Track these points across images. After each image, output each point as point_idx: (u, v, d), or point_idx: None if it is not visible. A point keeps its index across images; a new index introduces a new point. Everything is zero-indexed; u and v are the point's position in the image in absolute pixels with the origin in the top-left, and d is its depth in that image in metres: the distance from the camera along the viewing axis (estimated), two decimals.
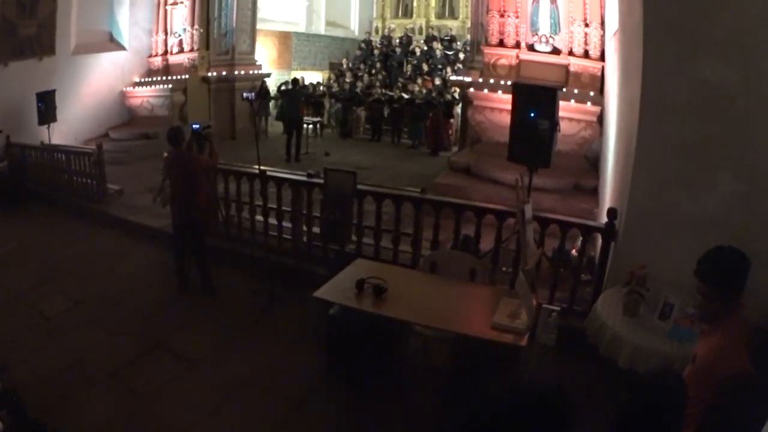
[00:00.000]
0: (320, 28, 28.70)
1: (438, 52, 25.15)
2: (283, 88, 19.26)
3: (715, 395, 3.32)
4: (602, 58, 11.92)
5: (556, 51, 12.44)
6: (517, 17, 12.72)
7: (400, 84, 23.01)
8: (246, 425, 5.82)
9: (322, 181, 8.66)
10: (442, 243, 8.22)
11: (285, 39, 26.61)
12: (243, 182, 9.65)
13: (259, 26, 22.16)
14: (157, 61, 19.85)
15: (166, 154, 8.60)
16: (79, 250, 10.41)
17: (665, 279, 5.62)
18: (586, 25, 12.04)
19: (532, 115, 7.86)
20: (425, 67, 24.56)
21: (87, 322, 7.75)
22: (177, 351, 7.06)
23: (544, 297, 7.10)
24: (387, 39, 27.72)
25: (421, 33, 28.40)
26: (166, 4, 19.35)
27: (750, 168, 5.75)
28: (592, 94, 11.87)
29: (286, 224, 9.38)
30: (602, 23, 11.77)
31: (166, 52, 19.67)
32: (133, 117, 19.68)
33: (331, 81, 25.46)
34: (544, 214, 7.49)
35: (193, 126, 8.83)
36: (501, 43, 13.01)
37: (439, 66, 24.45)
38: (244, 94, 9.30)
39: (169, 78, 19.22)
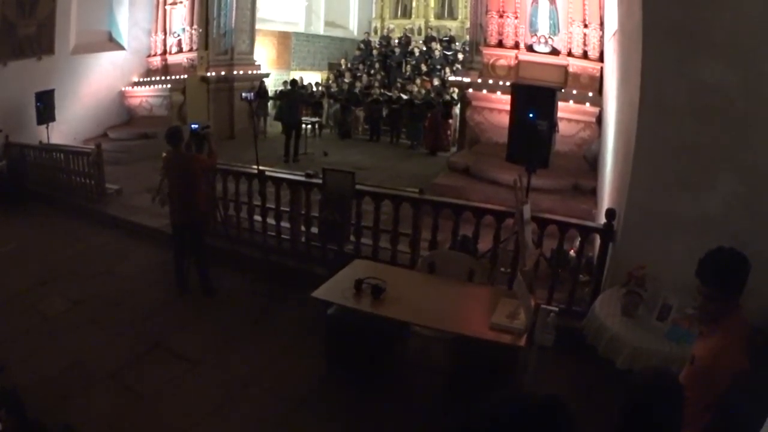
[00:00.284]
0: (319, 28, 28.67)
1: (437, 53, 25.14)
2: (282, 88, 19.26)
3: (715, 396, 3.33)
4: (601, 59, 11.92)
5: (555, 52, 12.44)
6: (516, 18, 12.72)
7: (399, 84, 23.01)
8: (246, 425, 5.82)
9: (320, 181, 8.67)
10: (440, 243, 8.24)
11: (284, 39, 26.59)
12: (242, 182, 9.67)
13: (258, 26, 22.17)
14: (156, 61, 19.85)
15: (164, 154, 8.59)
16: (79, 250, 10.41)
17: (664, 280, 5.64)
18: (585, 26, 12.05)
19: (531, 115, 7.87)
20: (424, 68, 24.60)
21: (86, 322, 7.75)
22: (176, 351, 7.06)
23: (543, 297, 7.10)
24: (386, 39, 27.71)
25: (420, 33, 28.38)
26: (165, 4, 19.35)
27: (749, 169, 5.76)
28: (590, 94, 11.88)
29: (285, 224, 9.39)
30: (601, 24, 11.78)
31: (165, 52, 19.67)
32: (132, 117, 19.68)
33: (330, 81, 25.45)
34: (542, 214, 7.51)
35: (192, 126, 8.83)
36: (500, 44, 13.01)
37: (438, 66, 24.45)
38: (243, 94, 9.31)
39: (168, 78, 19.22)
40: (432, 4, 28.63)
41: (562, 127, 9.74)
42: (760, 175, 5.72)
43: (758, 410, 2.53)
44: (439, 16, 28.67)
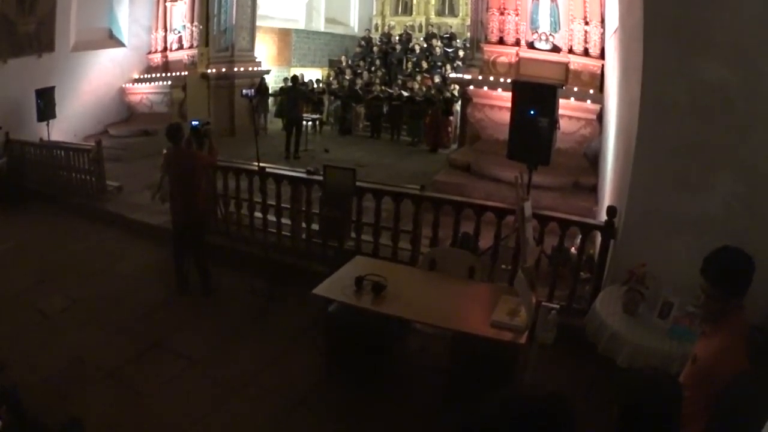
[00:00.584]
0: (320, 25, 28.68)
1: (438, 50, 25.15)
2: (283, 85, 19.26)
3: (715, 396, 3.32)
4: (602, 56, 11.91)
5: (555, 49, 12.42)
6: (517, 15, 12.70)
7: (399, 81, 23.00)
8: (245, 423, 5.83)
9: (321, 178, 8.66)
10: (441, 240, 8.23)
11: (285, 36, 26.60)
12: (242, 179, 9.66)
13: (258, 23, 22.13)
14: (157, 58, 19.82)
15: (165, 151, 8.59)
16: (78, 247, 10.41)
17: (664, 278, 5.63)
18: (586, 23, 12.02)
19: (532, 112, 7.84)
20: (425, 65, 24.58)
21: (86, 320, 7.75)
22: (176, 349, 7.06)
23: (544, 295, 7.09)
24: (386, 36, 27.70)
25: (420, 30, 28.40)
26: (165, 0, 19.32)
27: (749, 168, 5.76)
28: (591, 92, 11.86)
29: (286, 221, 9.39)
30: (602, 21, 11.76)
31: (165, 49, 19.64)
32: (132, 114, 19.65)
33: (331, 78, 25.44)
34: (543, 212, 7.51)
35: (193, 123, 8.83)
36: (501, 41, 12.99)
37: (439, 63, 24.46)
38: (244, 91, 9.29)
39: (169, 75, 19.17)
40: (433, 1, 28.68)
41: (563, 125, 9.72)
42: (760, 174, 5.72)
43: (758, 410, 2.52)
44: (440, 13, 28.69)
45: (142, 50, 19.80)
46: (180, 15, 19.18)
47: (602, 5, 11.66)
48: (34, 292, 8.52)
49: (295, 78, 19.75)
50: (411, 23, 28.69)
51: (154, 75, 19.48)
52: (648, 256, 5.92)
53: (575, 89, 11.88)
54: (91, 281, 8.91)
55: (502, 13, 12.82)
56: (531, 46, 12.64)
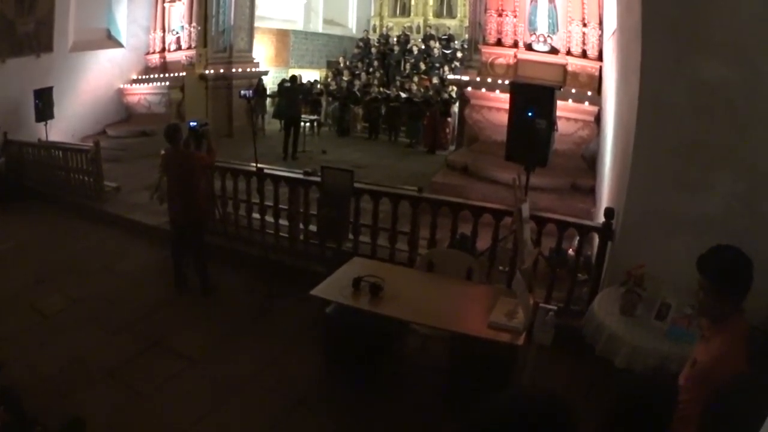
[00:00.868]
0: (318, 26, 28.71)
1: (436, 51, 25.17)
2: (286, 85, 19.25)
3: (712, 397, 3.33)
4: (600, 57, 11.93)
5: (554, 50, 12.44)
6: (515, 16, 12.72)
7: (397, 82, 23.01)
8: (244, 423, 5.83)
9: (319, 179, 8.68)
10: (439, 242, 8.24)
11: (283, 37, 26.61)
12: (240, 180, 9.68)
13: (257, 24, 22.18)
14: (155, 59, 19.85)
15: (163, 152, 8.60)
16: (77, 247, 10.42)
17: (663, 279, 5.63)
18: (584, 25, 12.05)
19: (530, 114, 7.85)
20: (423, 66, 24.59)
21: (85, 320, 7.75)
22: (175, 349, 7.06)
23: (541, 296, 7.12)
24: (385, 37, 27.75)
25: (418, 32, 28.46)
26: (164, 1, 19.36)
27: (749, 168, 5.76)
28: (589, 93, 11.88)
29: (283, 222, 9.39)
30: (600, 23, 11.78)
31: (163, 50, 19.68)
32: (130, 114, 19.68)
33: (329, 79, 25.44)
34: (541, 213, 7.51)
35: (191, 123, 8.82)
36: (499, 43, 13.00)
37: (437, 65, 24.47)
38: (242, 92, 9.29)
39: (167, 75, 19.20)
40: (431, 2, 28.72)
41: (561, 126, 9.72)
42: (759, 174, 5.73)
43: (756, 411, 2.53)
44: (438, 15, 28.74)
45: (141, 51, 19.83)
46: (178, 16, 19.21)
47: (600, 7, 11.68)
48: (33, 291, 8.52)
49: (293, 78, 19.74)
50: (409, 24, 28.75)
51: (152, 76, 19.52)
52: (646, 257, 5.93)
53: (573, 91, 11.90)
54: (90, 281, 8.92)
55: (500, 15, 12.83)
56: (529, 47, 12.66)
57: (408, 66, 25.42)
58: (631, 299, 5.58)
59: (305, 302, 6.62)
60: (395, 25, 29.04)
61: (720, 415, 3.16)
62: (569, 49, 12.26)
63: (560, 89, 10.33)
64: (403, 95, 21.50)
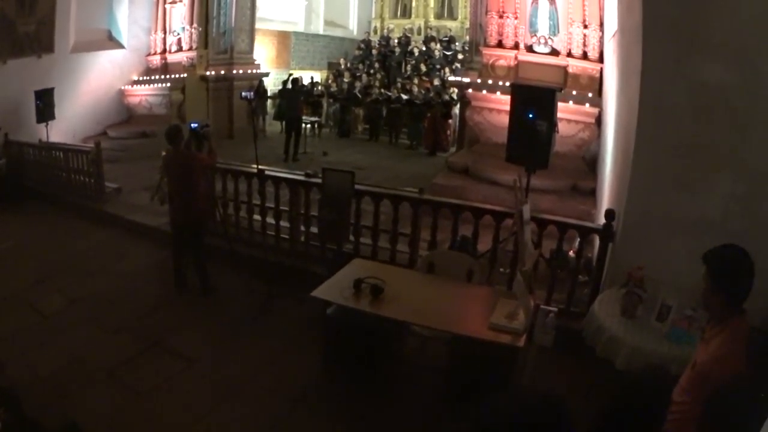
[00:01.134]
0: (319, 27, 28.67)
1: (437, 53, 25.14)
2: (287, 86, 19.26)
3: (712, 398, 3.32)
4: (601, 59, 11.93)
5: (554, 52, 12.45)
6: (516, 18, 12.72)
7: (398, 84, 22.99)
8: (244, 423, 5.83)
9: (320, 180, 8.68)
10: (439, 243, 8.25)
11: (284, 38, 26.58)
12: (241, 181, 9.67)
13: (257, 25, 22.15)
14: (156, 60, 19.86)
15: (164, 153, 8.60)
16: (77, 248, 10.42)
17: (663, 280, 5.63)
18: (585, 27, 12.05)
19: (531, 116, 7.85)
20: (423, 68, 24.58)
21: (85, 320, 7.76)
22: (175, 349, 7.07)
23: (542, 298, 7.12)
24: (385, 39, 27.72)
25: (419, 33, 28.39)
26: (165, 2, 19.35)
27: (749, 170, 5.76)
28: (590, 95, 11.88)
29: (284, 224, 9.39)
30: (601, 25, 11.78)
31: (164, 51, 19.68)
32: (131, 115, 19.71)
33: (330, 81, 25.43)
34: (541, 215, 7.51)
35: (192, 125, 8.82)
36: (500, 44, 13.01)
37: (438, 66, 24.45)
38: (243, 93, 9.30)
39: (168, 77, 19.22)
40: (432, 4, 28.63)
41: (562, 128, 9.73)
42: (759, 175, 5.72)
43: (758, 411, 2.53)
44: (439, 16, 28.68)
45: (142, 52, 19.85)
46: (179, 17, 19.22)
47: (601, 8, 11.68)
48: (32, 291, 8.53)
49: (294, 80, 19.75)
50: (410, 26, 28.69)
51: (153, 77, 19.55)
52: (646, 258, 5.92)
53: (574, 92, 11.91)
54: (90, 281, 8.92)
55: (501, 17, 12.84)
56: (530, 49, 12.67)
57: (409, 68, 25.40)
58: (631, 301, 5.58)
59: (305, 303, 6.64)
60: (396, 27, 28.99)
61: (720, 416, 3.15)
62: (570, 51, 12.27)
63: (561, 91, 10.36)
64: (404, 97, 21.45)
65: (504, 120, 9.44)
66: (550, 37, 12.42)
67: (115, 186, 12.92)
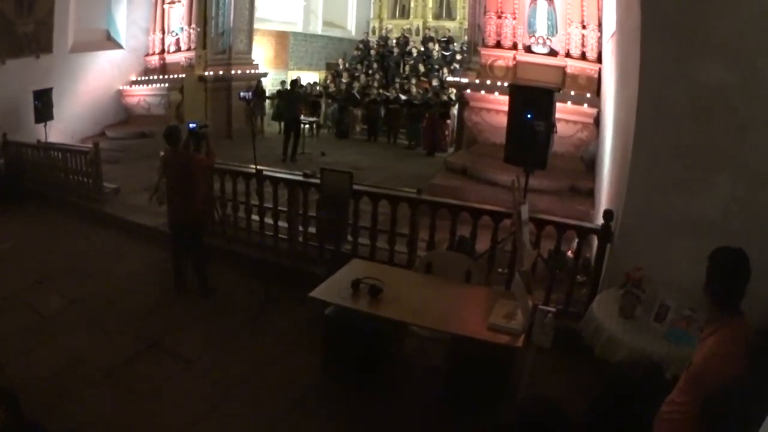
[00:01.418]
0: (317, 28, 28.66)
1: (435, 53, 25.15)
2: (286, 87, 19.26)
3: (709, 399, 3.33)
4: (599, 60, 11.94)
5: (553, 53, 12.45)
6: (514, 19, 12.72)
7: (397, 85, 22.99)
8: (243, 424, 5.83)
9: (318, 181, 8.68)
10: (438, 244, 8.25)
11: (282, 39, 26.57)
12: (239, 182, 9.68)
13: (256, 26, 22.17)
14: (154, 60, 19.86)
15: (162, 153, 8.60)
16: (76, 248, 10.42)
17: (662, 280, 5.63)
18: (584, 27, 12.05)
19: (529, 116, 7.86)
20: (422, 68, 24.58)
21: (83, 321, 7.76)
22: (174, 350, 7.07)
23: (540, 298, 7.12)
24: (384, 39, 27.71)
25: (418, 34, 28.39)
26: (163, 3, 19.36)
27: (748, 170, 5.75)
28: (588, 95, 11.88)
29: (283, 224, 9.39)
30: (599, 25, 11.79)
31: (163, 51, 19.68)
32: (129, 116, 19.72)
33: (328, 81, 25.42)
34: (540, 215, 7.51)
35: (190, 125, 8.82)
36: (498, 45, 13.00)
37: (436, 67, 24.45)
38: (241, 94, 9.30)
39: (166, 77, 19.23)
40: (430, 4, 28.63)
41: (560, 128, 9.72)
42: (758, 176, 5.72)
43: (756, 413, 2.53)
44: (438, 17, 28.67)
45: (140, 52, 19.85)
46: (178, 17, 19.22)
47: (599, 9, 11.69)
48: (31, 292, 8.52)
49: (294, 81, 19.72)
50: (408, 26, 28.70)
51: (151, 77, 19.56)
52: (645, 258, 5.92)
53: (572, 93, 11.91)
54: (89, 282, 8.91)
55: (499, 17, 12.83)
56: (528, 49, 12.67)
57: (407, 68, 25.41)
58: (630, 301, 5.59)
59: (304, 304, 6.64)
60: (394, 27, 28.99)
61: (717, 418, 3.16)
62: (568, 51, 12.27)
63: (559, 91, 10.37)
64: (403, 97, 21.49)
65: (502, 120, 9.45)
66: (548, 38, 12.42)
67: (113, 186, 12.92)
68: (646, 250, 6.20)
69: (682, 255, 5.63)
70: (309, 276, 7.76)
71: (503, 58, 12.96)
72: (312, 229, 9.10)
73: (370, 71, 25.26)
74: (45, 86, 14.84)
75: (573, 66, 12.24)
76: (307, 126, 20.64)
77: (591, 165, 11.74)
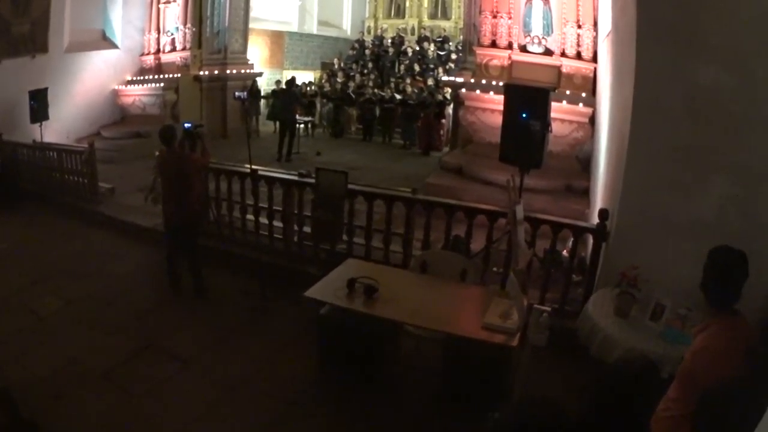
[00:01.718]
0: (313, 27, 28.68)
1: (430, 53, 25.17)
2: (283, 86, 19.27)
3: (705, 397, 3.33)
4: (595, 59, 11.95)
5: (548, 52, 12.46)
6: (509, 18, 12.73)
7: (392, 84, 23.00)
8: (238, 425, 5.83)
9: (313, 180, 8.67)
10: (433, 243, 8.25)
11: (277, 38, 26.59)
12: (234, 181, 9.65)
13: (251, 25, 22.17)
14: (150, 60, 19.84)
15: (158, 153, 8.59)
16: (71, 249, 10.39)
17: (657, 280, 5.64)
18: (579, 27, 12.07)
19: (524, 116, 7.87)
20: (417, 68, 24.59)
21: (79, 321, 7.75)
22: (170, 351, 7.06)
23: (536, 298, 7.13)
24: (379, 39, 27.75)
25: (413, 33, 28.44)
26: (159, 2, 19.35)
27: (743, 171, 5.75)
28: (584, 95, 11.90)
29: (278, 224, 9.39)
30: (595, 25, 11.80)
31: (158, 51, 19.67)
32: (125, 115, 19.68)
33: (323, 81, 25.42)
34: (535, 214, 7.52)
35: (185, 125, 8.83)
36: (493, 44, 13.02)
37: (431, 66, 24.47)
38: (236, 94, 9.33)
39: (162, 77, 19.20)
40: (425, 4, 28.67)
41: (555, 128, 9.72)
42: (754, 176, 5.72)
43: (753, 412, 2.53)
44: (433, 16, 28.71)
45: (135, 52, 19.84)
46: (173, 17, 19.22)
47: (595, 8, 11.70)
48: (27, 292, 8.51)
49: (290, 80, 19.73)
50: (404, 26, 28.75)
51: (146, 77, 19.54)
52: (640, 258, 5.92)
53: (567, 92, 11.93)
54: (85, 282, 8.89)
55: (494, 16, 12.85)
56: (523, 49, 12.68)
57: (402, 67, 25.44)
58: (625, 300, 5.59)
59: (299, 304, 6.64)
60: (390, 27, 29.04)
61: (713, 416, 3.16)
62: (564, 51, 12.28)
63: (554, 91, 10.38)
64: (398, 97, 21.53)
65: (497, 120, 9.45)
66: (543, 37, 12.43)
67: (108, 186, 12.88)
68: (642, 250, 6.20)
69: (678, 254, 5.64)
70: (304, 276, 7.76)
71: (498, 58, 12.97)
72: (307, 229, 9.10)
73: (366, 71, 25.30)
74: (40, 86, 14.79)
75: (568, 65, 12.25)
76: (302, 125, 20.63)
77: (586, 164, 11.76)
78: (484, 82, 12.98)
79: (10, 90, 14.83)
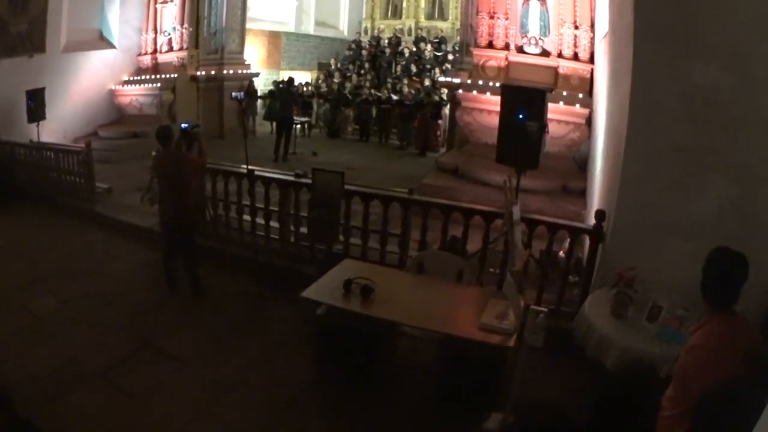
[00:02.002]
0: (310, 28, 28.69)
1: (427, 53, 25.17)
2: (281, 86, 19.26)
3: (703, 397, 3.34)
4: (592, 60, 11.97)
5: (545, 53, 12.48)
6: (506, 19, 12.74)
7: (389, 85, 23.00)
8: (235, 425, 5.82)
9: (310, 181, 8.66)
10: (429, 244, 8.25)
11: (274, 39, 26.59)
12: (231, 182, 9.65)
13: (248, 26, 22.18)
14: (147, 60, 19.82)
15: (154, 153, 8.58)
16: (68, 249, 10.39)
17: (654, 281, 5.65)
18: (576, 27, 12.09)
19: (521, 116, 7.87)
20: (414, 68, 24.59)
21: (76, 321, 7.74)
22: (166, 351, 7.06)
23: (532, 298, 7.10)
24: (376, 40, 27.74)
25: (410, 34, 28.45)
26: (156, 2, 19.32)
27: (741, 171, 5.76)
28: (581, 96, 11.91)
29: (274, 224, 9.38)
30: (592, 25, 11.82)
31: (155, 51, 19.64)
32: (122, 115, 19.67)
33: (320, 81, 25.42)
34: (532, 215, 7.52)
35: (182, 125, 8.82)
36: (490, 45, 13.04)
37: (428, 67, 24.46)
38: (233, 94, 9.31)
39: (159, 77, 19.20)
40: (423, 4, 28.69)
41: (552, 129, 9.75)
42: (751, 177, 5.73)
43: (751, 412, 2.54)
44: (430, 17, 28.73)
45: (132, 52, 19.81)
46: (170, 17, 19.19)
47: (592, 9, 11.71)
48: (24, 292, 8.50)
49: (290, 81, 19.71)
50: (401, 27, 28.76)
51: (143, 77, 19.52)
52: (637, 258, 5.94)
53: (564, 93, 11.95)
54: (81, 282, 8.89)
55: (491, 17, 12.86)
56: (520, 50, 12.70)
57: (399, 68, 25.43)
58: (622, 301, 5.60)
59: (296, 304, 6.64)
60: (387, 28, 29.04)
61: (712, 415, 3.17)
62: (561, 52, 12.30)
63: (551, 91, 10.39)
64: (395, 97, 21.52)
65: (494, 121, 9.44)
66: (540, 38, 12.45)
67: (105, 186, 12.88)
68: (639, 250, 6.21)
69: (675, 255, 5.65)
70: (301, 276, 7.75)
71: (495, 59, 13.00)
72: (303, 229, 9.09)
73: (362, 71, 25.28)
74: (38, 86, 14.80)
75: (565, 66, 12.28)
76: (299, 126, 20.61)
77: (583, 165, 11.75)
78: (480, 82, 13.00)
79: (7, 90, 14.82)
